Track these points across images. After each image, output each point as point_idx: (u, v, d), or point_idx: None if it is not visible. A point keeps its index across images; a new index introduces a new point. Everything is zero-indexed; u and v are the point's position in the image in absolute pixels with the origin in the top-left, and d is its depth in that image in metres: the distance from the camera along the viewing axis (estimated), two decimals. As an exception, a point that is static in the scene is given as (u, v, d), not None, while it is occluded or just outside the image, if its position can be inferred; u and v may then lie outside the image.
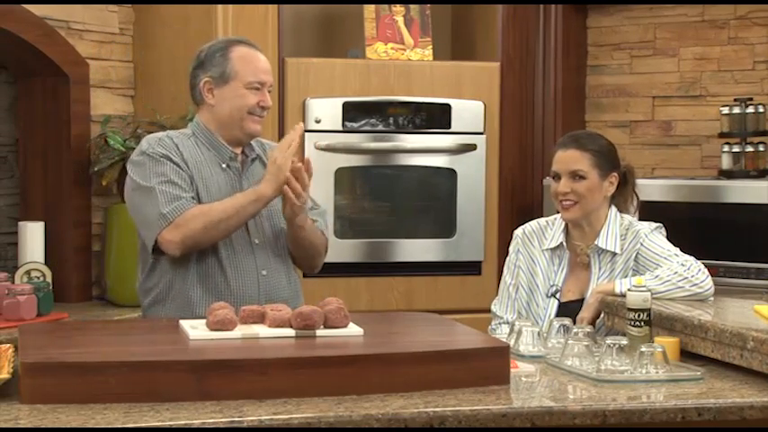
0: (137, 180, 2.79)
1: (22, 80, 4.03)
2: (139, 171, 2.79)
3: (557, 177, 2.94)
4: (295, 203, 2.75)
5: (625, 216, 3.00)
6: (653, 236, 2.93)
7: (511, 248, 3.08)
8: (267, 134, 3.99)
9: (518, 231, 3.07)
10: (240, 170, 2.89)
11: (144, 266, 2.87)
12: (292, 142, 2.77)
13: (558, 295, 2.94)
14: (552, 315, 2.90)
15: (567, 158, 2.92)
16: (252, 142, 2.95)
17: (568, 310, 2.87)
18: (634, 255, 2.91)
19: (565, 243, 2.97)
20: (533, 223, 3.08)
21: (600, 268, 2.93)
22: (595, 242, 2.93)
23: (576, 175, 2.90)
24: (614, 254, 2.91)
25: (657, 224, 2.99)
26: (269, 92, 2.89)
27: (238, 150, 2.91)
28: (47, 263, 3.80)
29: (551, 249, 2.99)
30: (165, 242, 2.72)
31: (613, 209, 2.98)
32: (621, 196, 3.02)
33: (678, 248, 2.91)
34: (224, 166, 2.87)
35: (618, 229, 2.93)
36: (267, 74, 2.88)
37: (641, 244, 2.91)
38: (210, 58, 2.87)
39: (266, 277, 2.83)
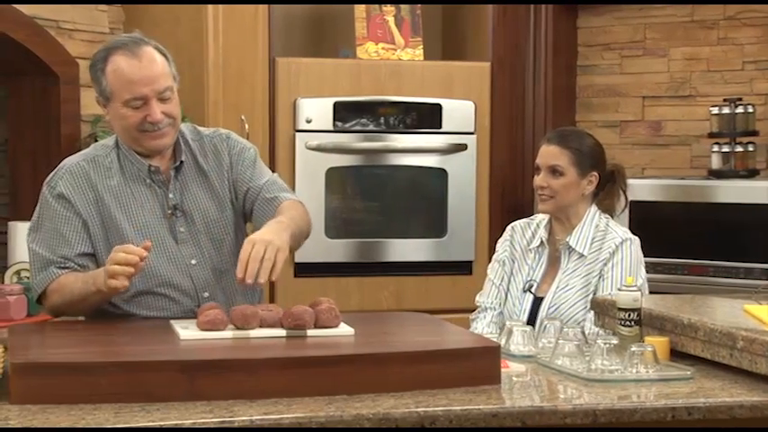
0: (32, 219, 2.63)
1: (12, 80, 4.02)
2: (37, 209, 2.63)
3: (538, 170, 3.01)
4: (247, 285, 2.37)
5: (603, 219, 3.02)
6: (626, 252, 2.93)
7: (499, 243, 3.13)
8: (257, 136, 4.01)
9: (514, 224, 3.13)
10: (166, 182, 2.61)
11: None
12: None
13: (533, 289, 2.99)
14: (527, 309, 2.96)
15: (548, 153, 2.99)
16: (188, 138, 2.65)
17: (542, 303, 2.94)
18: (605, 257, 2.94)
19: (546, 240, 3.02)
20: (525, 220, 3.13)
21: (567, 265, 2.97)
22: (567, 239, 2.98)
23: (555, 171, 2.97)
24: (582, 255, 2.95)
25: (631, 236, 2.98)
26: (164, 99, 2.52)
27: (163, 159, 2.61)
28: (37, 263, 3.79)
29: (535, 248, 3.04)
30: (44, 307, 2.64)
31: (593, 209, 3.02)
32: (608, 197, 3.06)
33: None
34: (148, 181, 2.60)
35: (591, 232, 2.97)
36: (149, 84, 2.50)
37: (613, 253, 2.93)
38: (93, 71, 2.57)
39: (209, 299, 2.59)
